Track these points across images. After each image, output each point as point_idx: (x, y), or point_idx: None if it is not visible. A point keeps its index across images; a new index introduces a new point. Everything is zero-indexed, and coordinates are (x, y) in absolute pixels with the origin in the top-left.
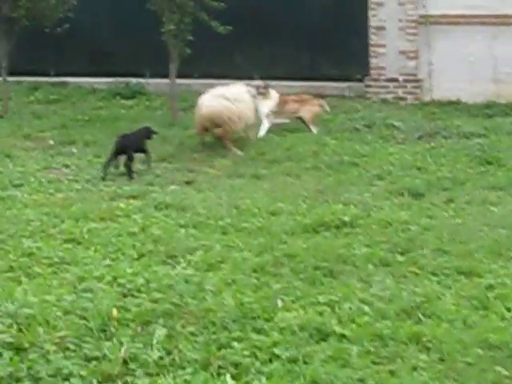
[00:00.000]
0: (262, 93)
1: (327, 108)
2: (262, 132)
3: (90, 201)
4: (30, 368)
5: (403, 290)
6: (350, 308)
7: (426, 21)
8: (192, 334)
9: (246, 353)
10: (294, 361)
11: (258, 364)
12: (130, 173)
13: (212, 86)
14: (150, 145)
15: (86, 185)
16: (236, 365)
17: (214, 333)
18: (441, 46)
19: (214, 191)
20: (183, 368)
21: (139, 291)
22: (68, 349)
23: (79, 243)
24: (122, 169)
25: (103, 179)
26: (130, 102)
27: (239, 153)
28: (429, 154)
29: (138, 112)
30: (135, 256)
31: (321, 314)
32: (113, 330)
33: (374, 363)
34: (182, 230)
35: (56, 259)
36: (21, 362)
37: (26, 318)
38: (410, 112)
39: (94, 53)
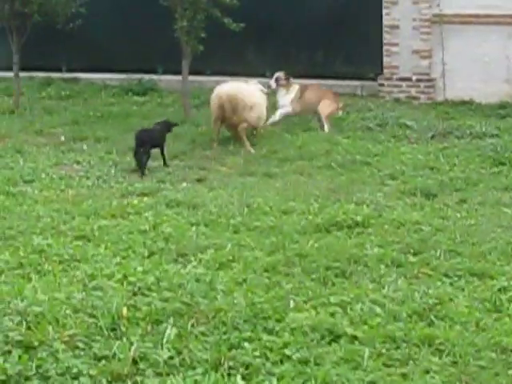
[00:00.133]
0: (283, 84)
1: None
2: (273, 118)
3: (101, 198)
4: (38, 366)
5: (415, 291)
6: (362, 309)
7: (440, 20)
8: (202, 333)
9: (257, 353)
10: (305, 362)
11: (268, 365)
12: (142, 168)
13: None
14: None
15: (96, 181)
16: (247, 365)
17: (225, 333)
18: (454, 46)
19: (226, 189)
20: (193, 368)
21: (149, 290)
22: (77, 347)
23: (89, 240)
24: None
25: (143, 173)
26: (142, 99)
27: (252, 150)
28: (441, 154)
29: (150, 109)
30: (146, 254)
31: (332, 314)
32: (123, 328)
33: (386, 366)
34: (193, 229)
35: (66, 256)
36: (30, 361)
37: (35, 316)
38: (422, 111)
39: (106, 49)
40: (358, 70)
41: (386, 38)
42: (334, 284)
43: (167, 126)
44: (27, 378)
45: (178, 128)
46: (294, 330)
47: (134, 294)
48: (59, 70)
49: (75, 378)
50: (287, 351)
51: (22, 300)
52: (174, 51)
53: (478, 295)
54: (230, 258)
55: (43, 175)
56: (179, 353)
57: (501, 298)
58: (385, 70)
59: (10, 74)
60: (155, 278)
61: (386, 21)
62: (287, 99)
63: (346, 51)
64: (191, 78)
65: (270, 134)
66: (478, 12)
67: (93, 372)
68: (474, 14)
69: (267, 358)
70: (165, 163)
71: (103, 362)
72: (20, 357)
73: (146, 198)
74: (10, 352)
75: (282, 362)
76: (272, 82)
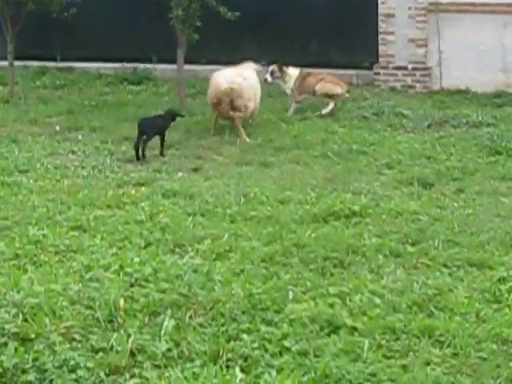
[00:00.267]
0: (277, 77)
1: (344, 90)
2: (291, 111)
3: (97, 187)
4: (35, 359)
5: (414, 281)
6: (361, 300)
7: (436, 8)
8: (201, 325)
9: (256, 345)
10: (304, 354)
11: (267, 357)
12: (141, 155)
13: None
14: None
15: (92, 171)
16: (245, 357)
17: (223, 324)
18: (450, 35)
19: (222, 179)
20: (192, 360)
21: (147, 281)
22: (74, 339)
23: (85, 231)
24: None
25: (138, 159)
26: (137, 88)
27: (247, 140)
28: (438, 143)
29: (145, 98)
30: (142, 244)
31: (331, 305)
32: (120, 320)
33: (386, 357)
34: (190, 219)
35: (62, 247)
36: (26, 353)
37: (31, 308)
38: (418, 100)
39: (101, 38)
40: (354, 58)
41: (382, 26)
42: (332, 274)
43: (171, 116)
44: (24, 371)
45: None
46: (293, 321)
47: (131, 286)
48: (54, 59)
49: (72, 370)
50: (286, 343)
51: (18, 291)
52: (168, 40)
53: (477, 285)
54: (227, 248)
55: (38, 165)
56: (177, 345)
57: (500, 289)
58: (380, 59)
59: (5, 63)
60: (152, 269)
61: (381, 9)
62: (288, 89)
63: (341, 40)
64: (186, 67)
65: (266, 122)
66: (473, 0)
67: (90, 364)
68: (470, 3)
69: (266, 350)
70: (161, 153)
71: (101, 354)
72: (16, 349)
73: (142, 188)
74: (6, 344)
75: (281, 353)
76: (268, 76)
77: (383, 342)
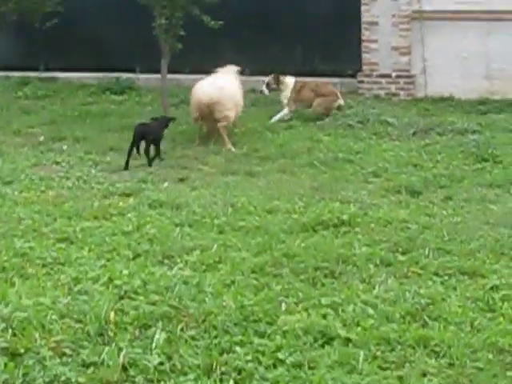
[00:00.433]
0: (273, 89)
1: (341, 101)
2: (276, 117)
3: (83, 198)
4: (25, 374)
5: (407, 291)
6: (354, 310)
7: (420, 16)
8: (193, 338)
9: (249, 358)
10: (298, 366)
11: (261, 369)
12: (150, 160)
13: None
14: None
15: (77, 182)
16: (239, 370)
17: (216, 337)
18: (434, 42)
19: (209, 189)
20: (185, 374)
21: (136, 293)
22: (65, 354)
23: (72, 243)
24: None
25: (126, 169)
26: (120, 98)
27: (233, 149)
28: (424, 151)
29: (129, 107)
30: (130, 256)
31: (324, 316)
32: (110, 334)
33: (382, 368)
34: (178, 229)
35: (49, 259)
36: (16, 368)
37: (20, 322)
38: (403, 108)
39: (84, 48)
40: (337, 67)
41: (365, 34)
42: (323, 285)
43: (165, 121)
44: None
45: None
46: (286, 332)
47: (121, 298)
48: (36, 69)
49: None
50: (280, 355)
51: (7, 305)
52: (151, 50)
53: (470, 294)
54: (217, 259)
55: (22, 176)
56: (169, 358)
57: (493, 297)
58: (364, 67)
59: None
60: (141, 281)
61: (364, 17)
62: (284, 98)
63: (324, 48)
64: (169, 76)
65: (251, 131)
66: (457, 8)
67: (81, 380)
68: (454, 11)
69: (260, 363)
70: (154, 159)
71: (92, 368)
72: (6, 364)
73: (128, 199)
74: None
75: (275, 366)
76: (264, 88)
77: (378, 353)
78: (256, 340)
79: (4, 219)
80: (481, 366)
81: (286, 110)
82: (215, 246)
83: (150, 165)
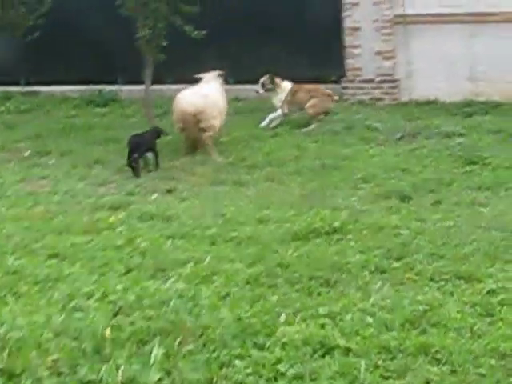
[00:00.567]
0: (269, 89)
1: (336, 97)
2: (269, 117)
3: (71, 213)
4: None
5: (404, 298)
6: (352, 319)
7: (403, 20)
8: (191, 352)
9: (249, 371)
10: (300, 378)
11: (262, 382)
12: (137, 171)
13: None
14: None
15: (65, 196)
16: None
17: (214, 350)
18: (417, 46)
19: (198, 199)
20: None
21: (131, 308)
22: (62, 373)
23: (64, 259)
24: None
25: (137, 175)
26: (103, 110)
27: (219, 159)
28: (411, 155)
29: (113, 120)
30: (123, 270)
31: (322, 326)
32: (108, 351)
33: (384, 378)
34: (169, 242)
35: (42, 276)
36: None
37: (16, 342)
38: (388, 113)
39: (65, 61)
40: (321, 73)
41: (348, 40)
42: (319, 294)
43: (157, 133)
44: None
45: None
46: (285, 344)
47: (116, 314)
48: (17, 83)
49: None
50: (280, 367)
51: (1, 325)
52: (133, 61)
53: (467, 299)
54: (210, 271)
55: (9, 192)
56: (168, 373)
57: (491, 302)
58: (348, 73)
59: None
60: (136, 296)
61: (347, 23)
62: (278, 101)
63: (308, 54)
64: (152, 86)
65: (237, 140)
66: (440, 11)
67: None
68: (437, 14)
69: (260, 376)
70: (157, 166)
71: None
72: None
73: (117, 212)
74: None
75: (275, 379)
76: (259, 88)
77: (379, 362)
78: (255, 353)
79: None
80: (483, 372)
81: (279, 112)
82: (208, 257)
83: (138, 176)
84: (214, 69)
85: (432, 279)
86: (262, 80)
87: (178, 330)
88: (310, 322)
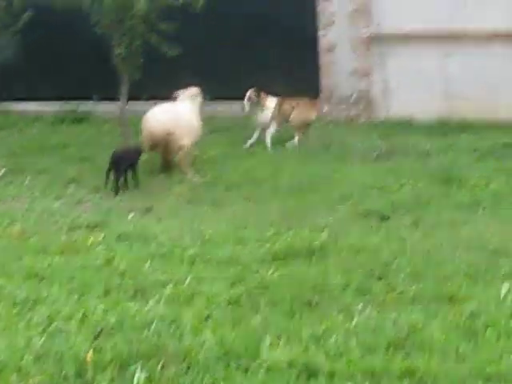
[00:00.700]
0: (256, 103)
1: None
2: (268, 140)
3: (48, 233)
4: None
5: (387, 319)
6: (336, 341)
7: (379, 39)
8: (174, 376)
9: None
10: None
11: None
12: (117, 187)
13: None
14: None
15: (41, 215)
16: None
17: (198, 374)
18: (392, 64)
19: (175, 219)
20: None
21: (113, 331)
22: None
23: (42, 279)
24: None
25: (116, 194)
26: (78, 128)
27: (195, 178)
28: (388, 174)
29: (88, 137)
30: (102, 291)
31: (306, 349)
32: (90, 374)
33: None
34: (148, 262)
35: (20, 298)
36: None
37: None
38: (364, 131)
39: (39, 77)
40: (296, 91)
41: (323, 58)
42: (301, 315)
43: (140, 150)
44: None
45: None
46: (270, 367)
47: (97, 336)
48: None
49: None
50: None
51: None
52: (107, 78)
53: (450, 321)
54: (191, 292)
55: None
56: None
57: (475, 323)
58: (323, 91)
59: None
60: (117, 318)
61: (322, 41)
62: (265, 117)
63: (283, 72)
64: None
65: (213, 159)
66: (415, 30)
67: None
68: (412, 32)
69: None
70: (137, 184)
71: None
72: None
73: (94, 232)
74: None
75: None
76: (245, 103)
77: None
78: (239, 376)
79: None
80: None
81: (272, 128)
82: (188, 278)
83: (116, 193)
84: (191, 85)
85: (414, 300)
86: (248, 94)
87: (161, 353)
88: (293, 345)
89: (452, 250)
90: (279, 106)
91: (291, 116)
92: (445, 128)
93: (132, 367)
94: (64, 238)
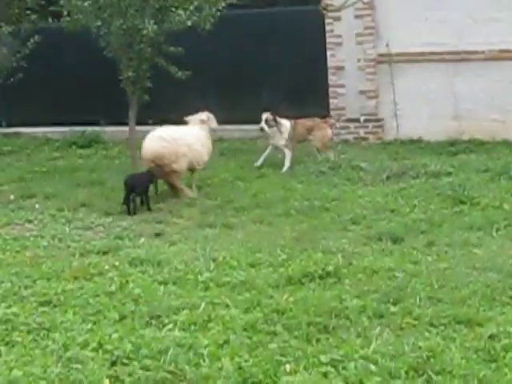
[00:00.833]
0: (272, 125)
1: (332, 121)
2: (287, 164)
3: (60, 258)
4: None
5: (405, 344)
6: (355, 367)
7: (387, 59)
8: None
9: None
10: None
11: None
12: (133, 209)
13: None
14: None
15: (52, 241)
16: None
17: None
18: (400, 85)
19: (187, 243)
20: None
21: (129, 358)
22: None
23: (55, 306)
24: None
25: (134, 213)
26: (86, 152)
27: (190, 194)
28: (400, 195)
29: (96, 161)
30: (117, 318)
31: (325, 375)
32: None
33: None
34: (162, 288)
35: (34, 325)
36: None
37: None
38: (373, 152)
39: (47, 102)
40: (305, 112)
41: (332, 79)
42: (319, 340)
43: (152, 176)
44: None
45: None
46: None
47: (114, 364)
48: None
49: None
50: None
51: None
52: (115, 102)
53: (469, 345)
54: (206, 318)
55: None
56: None
57: (494, 347)
58: (332, 112)
59: None
60: (133, 345)
61: (331, 62)
62: (283, 140)
63: (291, 94)
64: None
65: (223, 182)
66: (423, 50)
67: None
68: (419, 52)
69: None
70: (149, 209)
71: None
72: None
73: (106, 257)
74: None
75: None
76: (263, 125)
77: None
78: None
79: None
80: None
81: (288, 154)
82: (203, 304)
83: (132, 213)
84: (197, 111)
85: (431, 324)
86: (265, 116)
87: (178, 380)
88: (312, 371)
89: (467, 272)
90: (294, 128)
91: (310, 137)
92: (454, 148)
93: None
94: (76, 263)
